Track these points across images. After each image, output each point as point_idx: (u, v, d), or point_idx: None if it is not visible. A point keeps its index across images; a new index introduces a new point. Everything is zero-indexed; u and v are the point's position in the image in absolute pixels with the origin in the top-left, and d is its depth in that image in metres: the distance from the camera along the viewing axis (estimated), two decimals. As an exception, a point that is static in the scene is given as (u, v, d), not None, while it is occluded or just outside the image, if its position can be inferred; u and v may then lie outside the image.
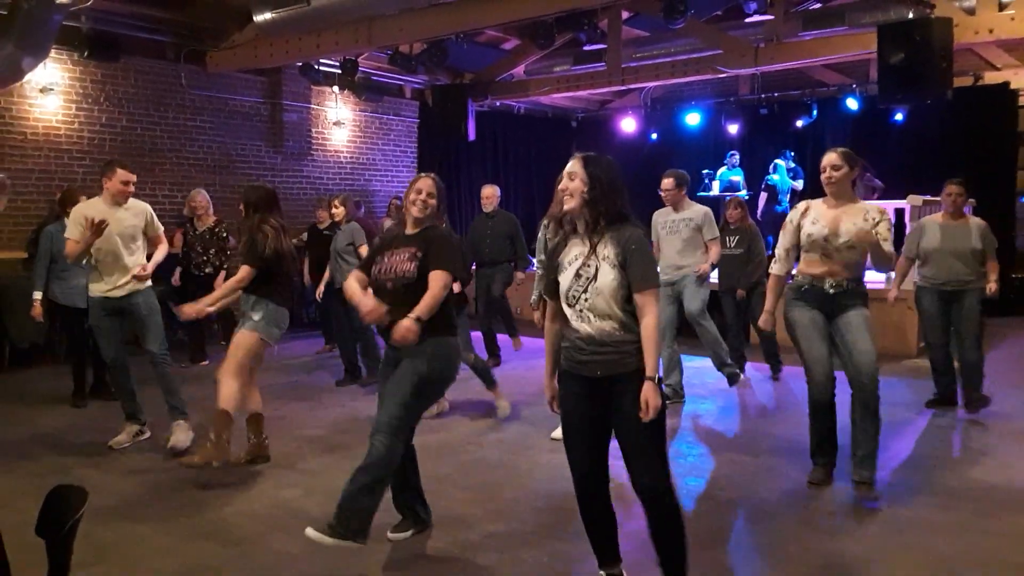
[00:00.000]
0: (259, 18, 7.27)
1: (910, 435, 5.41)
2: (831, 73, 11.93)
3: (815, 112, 11.77)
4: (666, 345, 5.85)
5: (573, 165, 2.91)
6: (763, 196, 11.44)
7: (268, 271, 4.59)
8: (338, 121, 10.96)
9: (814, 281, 4.33)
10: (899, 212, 8.49)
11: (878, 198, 9.64)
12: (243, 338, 4.61)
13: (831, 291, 4.28)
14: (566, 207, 2.90)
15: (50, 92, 8.14)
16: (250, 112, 10.04)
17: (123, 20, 8.33)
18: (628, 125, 13.41)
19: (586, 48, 10.39)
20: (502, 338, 7.87)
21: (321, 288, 7.17)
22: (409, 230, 3.62)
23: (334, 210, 7.06)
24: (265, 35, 8.15)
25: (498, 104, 12.43)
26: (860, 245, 4.16)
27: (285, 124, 10.27)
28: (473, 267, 7.48)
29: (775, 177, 11.40)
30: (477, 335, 7.30)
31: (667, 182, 5.97)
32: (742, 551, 3.56)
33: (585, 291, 2.85)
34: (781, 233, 4.51)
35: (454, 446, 5.06)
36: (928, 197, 8.30)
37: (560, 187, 2.92)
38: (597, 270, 2.83)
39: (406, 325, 3.27)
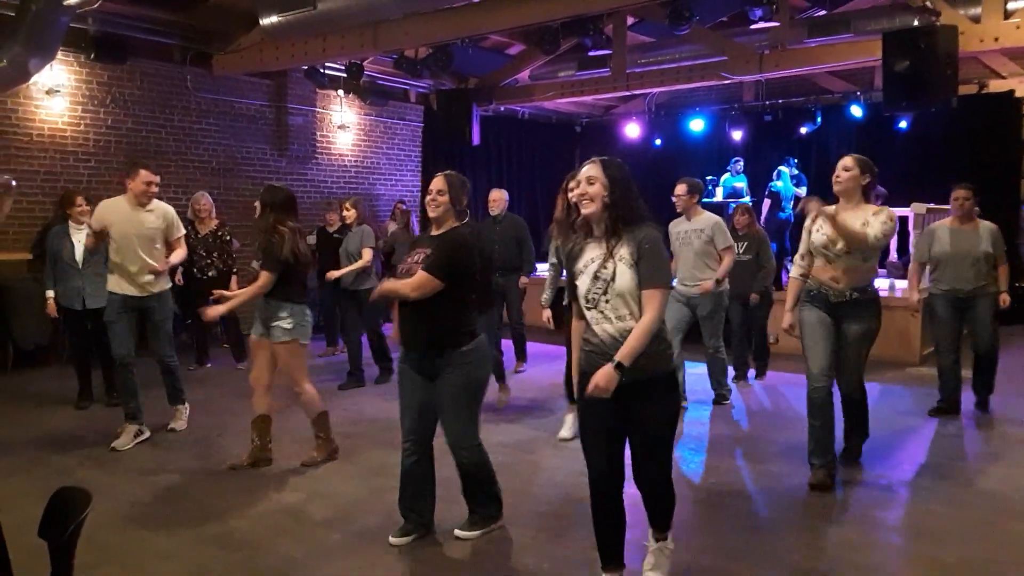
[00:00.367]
0: (265, 21, 7.27)
1: (914, 442, 5.39)
2: (835, 80, 11.93)
3: (819, 119, 11.76)
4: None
5: (591, 169, 2.93)
6: (766, 203, 11.43)
7: (287, 273, 4.62)
8: (343, 125, 10.98)
9: (821, 287, 4.44)
10: (903, 220, 8.48)
11: (881, 204, 9.62)
12: (285, 350, 4.63)
13: (834, 300, 4.34)
14: (586, 211, 2.92)
15: (56, 94, 8.16)
16: (255, 115, 10.06)
17: (130, 22, 8.35)
18: (632, 131, 13.41)
19: (591, 54, 10.41)
20: (506, 342, 7.86)
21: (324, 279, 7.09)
22: (433, 231, 3.66)
23: (345, 213, 7.09)
24: (271, 38, 8.16)
25: (502, 109, 12.44)
26: (835, 238, 4.23)
27: (290, 127, 10.29)
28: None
29: (779, 184, 11.39)
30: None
31: (680, 188, 6.00)
32: (745, 559, 3.54)
33: (604, 293, 2.88)
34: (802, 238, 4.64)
35: (456, 450, 5.07)
36: (932, 205, 8.29)
37: (578, 192, 2.93)
38: (615, 271, 2.85)
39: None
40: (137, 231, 5.16)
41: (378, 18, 7.65)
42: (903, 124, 11.35)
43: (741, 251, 6.97)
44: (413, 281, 3.47)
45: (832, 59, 9.06)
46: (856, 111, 11.44)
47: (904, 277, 8.48)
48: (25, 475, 4.64)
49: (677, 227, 6.07)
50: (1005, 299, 5.80)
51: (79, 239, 6.02)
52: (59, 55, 7.30)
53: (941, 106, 7.69)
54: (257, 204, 4.74)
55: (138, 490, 4.39)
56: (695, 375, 6.60)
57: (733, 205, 11.36)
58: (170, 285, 5.47)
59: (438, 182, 3.64)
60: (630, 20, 10.05)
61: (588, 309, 2.93)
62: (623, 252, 2.86)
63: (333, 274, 6.87)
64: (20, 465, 4.81)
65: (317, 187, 10.71)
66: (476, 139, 10.66)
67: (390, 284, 3.58)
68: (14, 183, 6.15)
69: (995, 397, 6.08)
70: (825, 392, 4.38)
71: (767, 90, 11.95)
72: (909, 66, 7.26)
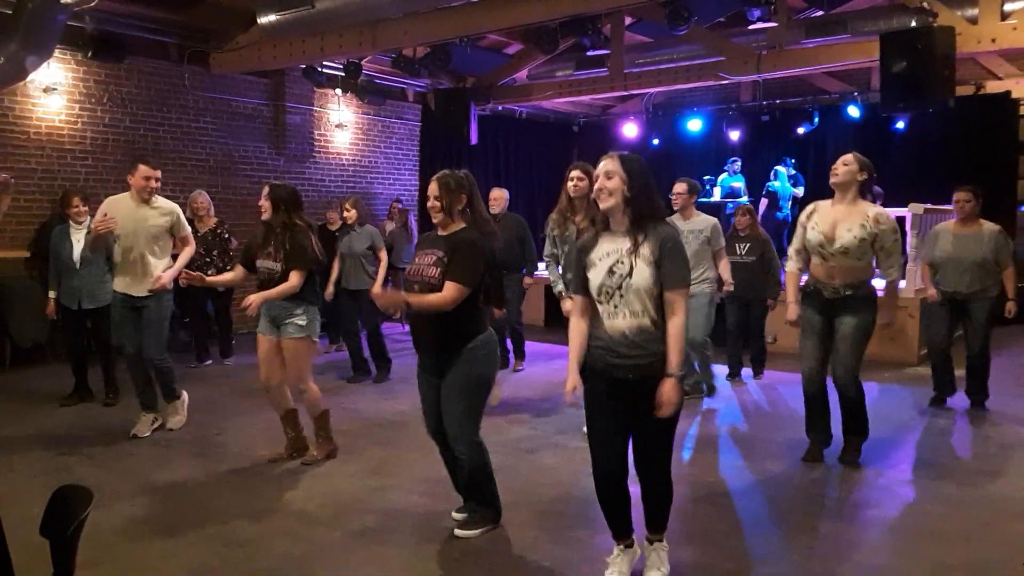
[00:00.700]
0: (263, 20, 7.26)
1: (913, 442, 5.41)
2: (833, 80, 11.95)
3: (816, 119, 11.79)
4: None
5: (609, 164, 2.94)
6: (763, 202, 11.45)
7: (310, 273, 4.63)
8: (340, 124, 10.97)
9: (817, 284, 4.53)
10: (900, 220, 8.49)
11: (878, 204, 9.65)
12: (297, 347, 4.61)
13: (829, 296, 4.42)
14: (604, 206, 2.93)
15: (53, 92, 8.14)
16: (253, 114, 10.04)
17: (127, 21, 8.33)
18: (630, 130, 13.42)
19: (589, 53, 10.42)
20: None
21: (330, 288, 7.02)
22: (441, 231, 3.65)
23: (345, 213, 7.06)
24: (269, 37, 8.14)
25: (500, 108, 12.44)
26: (832, 237, 4.37)
27: (288, 126, 10.28)
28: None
29: (776, 184, 11.41)
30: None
31: (680, 187, 6.04)
32: (743, 558, 3.55)
33: (620, 287, 2.89)
34: (795, 232, 4.73)
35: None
36: (929, 205, 8.30)
37: (596, 187, 2.95)
38: (633, 267, 2.87)
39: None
40: (142, 228, 5.17)
41: (376, 17, 7.65)
42: (900, 125, 11.37)
43: (744, 252, 6.96)
44: (447, 296, 3.42)
45: (830, 60, 9.07)
46: (853, 111, 11.46)
47: (903, 276, 8.52)
48: (23, 472, 4.62)
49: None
50: (1011, 308, 5.82)
51: (78, 238, 6.01)
52: (56, 53, 7.28)
53: (938, 107, 7.71)
54: (265, 203, 4.62)
55: (137, 488, 4.38)
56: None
57: (731, 205, 11.41)
58: (172, 287, 5.38)
59: (432, 188, 3.60)
60: (628, 20, 10.06)
61: (601, 303, 2.94)
62: (645, 249, 2.88)
63: (376, 291, 6.79)
64: (18, 463, 4.79)
65: (315, 186, 10.69)
66: (474, 138, 10.66)
67: (420, 299, 3.46)
68: (12, 181, 6.16)
69: (995, 396, 6.11)
70: (817, 386, 4.61)
71: (764, 90, 11.97)
72: (906, 67, 7.28)
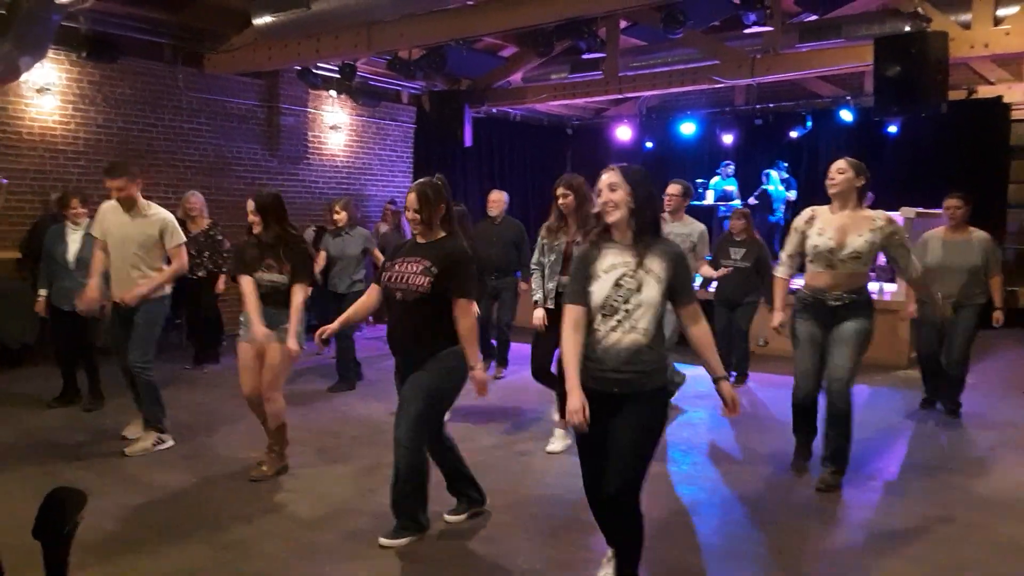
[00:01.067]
0: (258, 21, 7.25)
1: (903, 445, 5.43)
2: (826, 85, 12.00)
3: (809, 123, 11.84)
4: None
5: (612, 176, 2.89)
6: (751, 200, 11.47)
7: None
8: (335, 125, 10.96)
9: (817, 293, 4.41)
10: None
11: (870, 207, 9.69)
12: (283, 353, 4.50)
13: (833, 304, 4.34)
14: (610, 219, 2.88)
15: (47, 92, 8.11)
16: (247, 115, 10.03)
17: (121, 21, 8.31)
18: (623, 134, 13.43)
19: (584, 56, 10.44)
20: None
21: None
22: (420, 239, 3.61)
23: (335, 215, 6.94)
24: (264, 38, 8.14)
25: (495, 111, 12.45)
26: (843, 243, 4.30)
27: (282, 127, 10.26)
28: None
29: (770, 187, 11.45)
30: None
31: (675, 188, 6.02)
32: (731, 560, 3.56)
33: (626, 302, 2.84)
34: (787, 238, 4.62)
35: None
36: (921, 209, 8.34)
37: (601, 201, 2.90)
38: (642, 283, 2.84)
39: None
40: (128, 237, 5.02)
41: (372, 19, 7.65)
42: (893, 129, 11.41)
43: (739, 257, 6.89)
44: (470, 315, 3.54)
45: (823, 64, 9.12)
46: (846, 116, 11.51)
47: (893, 280, 8.54)
48: (12, 475, 4.60)
49: (663, 227, 6.07)
50: (998, 317, 5.81)
51: (74, 239, 5.98)
52: (50, 53, 7.26)
53: (931, 111, 7.75)
54: (255, 217, 4.54)
55: (128, 490, 4.36)
56: (689, 377, 6.61)
57: (723, 208, 11.44)
58: (163, 294, 5.20)
59: (410, 200, 3.58)
60: (623, 23, 10.08)
61: (603, 316, 2.86)
62: (653, 266, 2.85)
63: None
64: (7, 465, 4.76)
65: (308, 188, 10.68)
66: (468, 140, 10.66)
67: (470, 347, 3.57)
68: (5, 182, 6.12)
69: (983, 399, 6.15)
70: (810, 401, 4.55)
71: (758, 94, 12.01)
72: (900, 71, 7.31)
